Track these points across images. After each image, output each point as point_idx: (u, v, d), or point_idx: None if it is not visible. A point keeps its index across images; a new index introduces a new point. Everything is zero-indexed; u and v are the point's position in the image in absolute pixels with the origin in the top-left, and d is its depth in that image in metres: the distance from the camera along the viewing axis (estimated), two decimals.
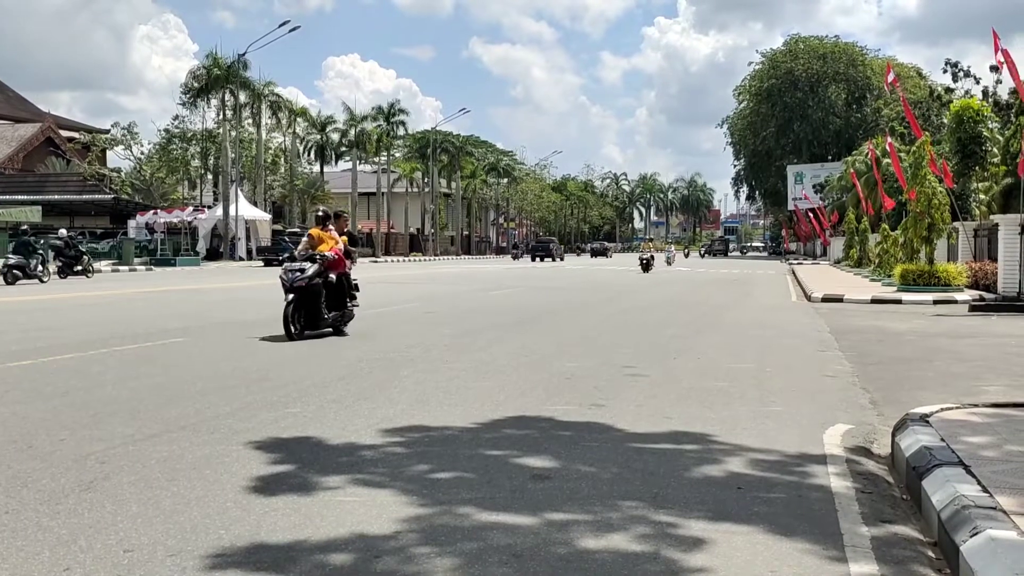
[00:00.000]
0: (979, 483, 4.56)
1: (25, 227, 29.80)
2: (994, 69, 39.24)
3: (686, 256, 75.57)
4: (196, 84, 54.59)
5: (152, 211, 49.77)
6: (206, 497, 4.74)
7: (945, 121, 36.85)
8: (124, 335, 12.27)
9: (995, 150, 29.63)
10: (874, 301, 21.46)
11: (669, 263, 50.99)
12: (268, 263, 46.29)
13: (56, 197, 51.72)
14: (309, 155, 72.47)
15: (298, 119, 65.20)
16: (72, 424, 6.48)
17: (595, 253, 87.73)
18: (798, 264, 56.12)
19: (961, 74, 46.73)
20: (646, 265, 39.15)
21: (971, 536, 3.85)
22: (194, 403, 7.33)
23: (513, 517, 4.45)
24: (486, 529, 4.27)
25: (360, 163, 70.27)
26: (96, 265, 39.88)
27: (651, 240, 53.24)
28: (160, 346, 11.18)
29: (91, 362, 9.67)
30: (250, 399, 7.55)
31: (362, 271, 38.90)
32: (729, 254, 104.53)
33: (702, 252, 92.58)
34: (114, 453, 5.64)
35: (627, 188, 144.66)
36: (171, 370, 9.20)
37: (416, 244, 77.37)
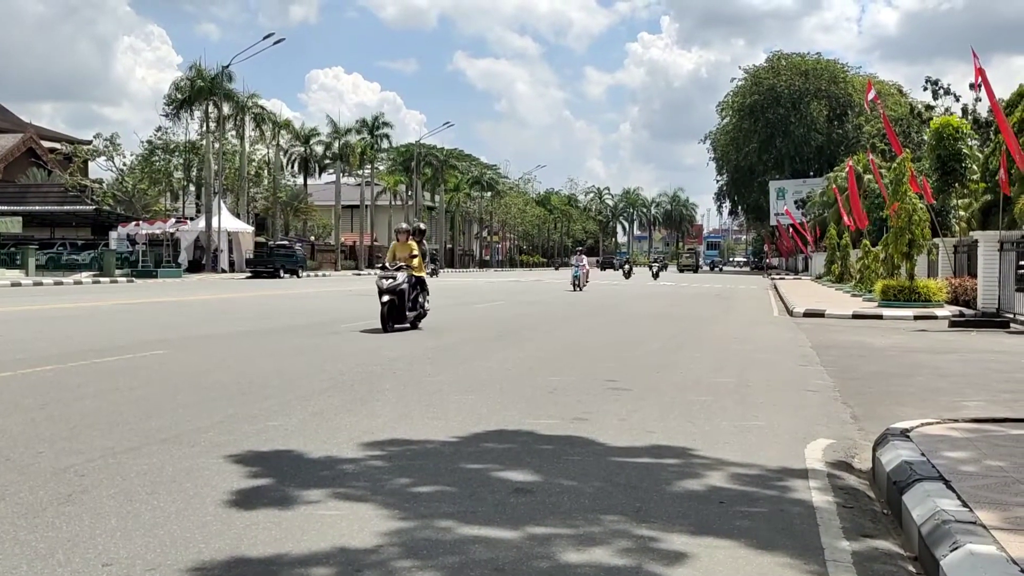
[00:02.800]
0: (959, 498, 4.58)
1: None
2: (973, 87, 39.74)
3: (626, 276, 51.69)
4: (179, 95, 54.42)
5: (134, 222, 49.54)
6: (186, 511, 4.71)
7: (925, 138, 37.26)
8: (103, 347, 12.18)
9: (975, 167, 30.01)
10: (855, 316, 21.57)
11: (578, 286, 34.51)
12: (257, 275, 46.00)
13: (37, 208, 51.40)
14: (293, 167, 72.32)
15: (282, 131, 65.05)
16: (51, 436, 6.42)
17: (604, 266, 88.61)
18: (780, 279, 56.36)
19: (941, 92, 47.31)
20: (385, 314, 15.12)
21: (951, 551, 3.87)
22: (174, 416, 7.28)
23: (495, 531, 4.44)
24: (468, 543, 4.26)
25: (344, 176, 70.22)
26: (76, 276, 39.66)
27: (408, 228, 16.58)
28: (140, 358, 11.11)
29: (70, 374, 9.59)
30: (231, 412, 7.51)
31: (346, 284, 38.83)
32: (699, 270, 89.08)
33: (654, 269, 57.09)
34: (93, 466, 5.59)
35: (610, 202, 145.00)
36: (151, 382, 9.13)
37: None
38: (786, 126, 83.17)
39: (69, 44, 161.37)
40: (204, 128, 54.95)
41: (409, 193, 79.80)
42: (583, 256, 36.85)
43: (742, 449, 6.43)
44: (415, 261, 15.83)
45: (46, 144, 60.60)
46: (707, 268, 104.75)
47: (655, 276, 54.14)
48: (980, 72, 19.55)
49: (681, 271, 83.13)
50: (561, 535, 4.40)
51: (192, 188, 63.62)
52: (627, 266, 54.94)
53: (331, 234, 70.70)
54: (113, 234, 49.89)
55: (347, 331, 15.39)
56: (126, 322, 17.06)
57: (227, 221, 51.82)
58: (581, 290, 34.12)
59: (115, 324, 16.59)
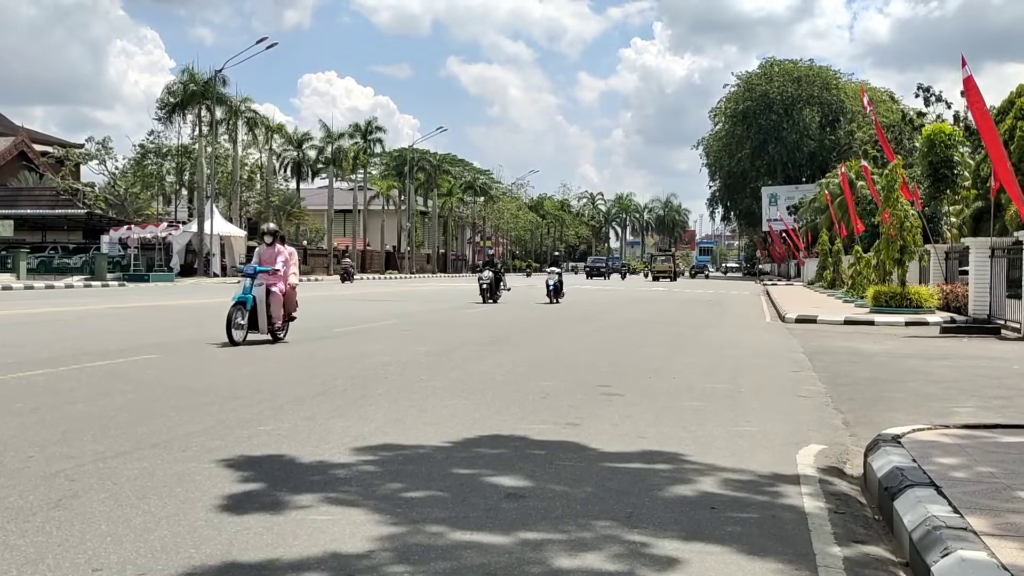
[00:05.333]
0: (950, 504, 4.59)
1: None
2: (964, 95, 39.89)
3: (485, 296, 27.09)
4: (172, 99, 54.25)
5: (126, 226, 49.37)
6: (177, 515, 4.69)
7: (917, 145, 37.38)
8: (95, 351, 12.14)
9: (966, 174, 30.09)
10: (847, 322, 21.61)
11: (237, 333, 13.31)
12: None
13: (28, 211, 51.24)
14: (285, 172, 72.26)
15: (274, 135, 65.03)
16: (41, 441, 6.40)
17: (591, 274, 70.86)
18: (772, 285, 56.43)
19: (933, 99, 47.44)
20: None
21: (942, 557, 3.87)
22: (166, 420, 7.26)
23: (487, 536, 4.43)
24: (460, 548, 4.25)
25: (337, 180, 70.15)
26: (68, 280, 39.54)
27: None
28: (132, 362, 11.07)
29: (62, 378, 9.56)
30: (223, 416, 7.49)
31: (339, 288, 38.75)
32: (678, 278, 71.44)
33: (551, 284, 28.64)
34: (84, 471, 5.57)
35: (603, 208, 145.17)
36: (143, 387, 9.10)
37: (392, 262, 77.26)
38: (779, 132, 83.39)
39: (62, 47, 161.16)
40: (197, 132, 54.85)
41: (402, 198, 79.81)
42: (278, 246, 14.36)
43: (734, 454, 6.44)
44: None
45: (38, 147, 60.38)
46: (688, 276, 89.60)
47: (552, 294, 28.56)
48: (967, 82, 19.53)
49: (655, 279, 67.91)
50: (553, 540, 4.39)
51: (184, 192, 63.53)
52: (487, 270, 28.24)
53: (324, 239, 70.61)
54: (105, 238, 49.74)
55: (340, 335, 15.38)
56: (118, 326, 17.01)
57: (219, 225, 51.71)
58: (278, 340, 13.97)
59: (107, 328, 16.54)
